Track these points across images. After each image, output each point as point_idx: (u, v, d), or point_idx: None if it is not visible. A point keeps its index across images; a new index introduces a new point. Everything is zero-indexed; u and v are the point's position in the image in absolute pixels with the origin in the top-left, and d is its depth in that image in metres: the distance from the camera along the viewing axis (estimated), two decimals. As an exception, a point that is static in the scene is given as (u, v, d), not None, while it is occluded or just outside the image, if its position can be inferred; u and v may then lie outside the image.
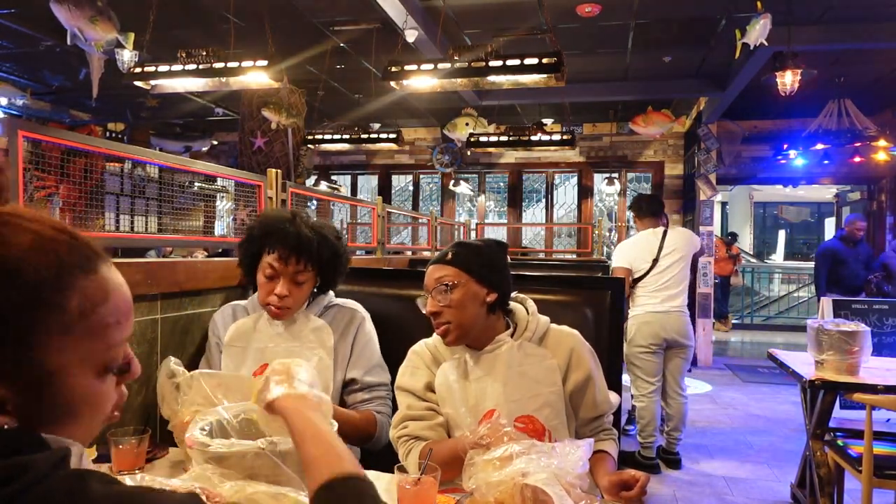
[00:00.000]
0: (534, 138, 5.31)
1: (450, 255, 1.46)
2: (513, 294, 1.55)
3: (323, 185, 7.69)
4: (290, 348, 1.63)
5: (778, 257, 16.42)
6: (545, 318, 1.51)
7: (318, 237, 1.62)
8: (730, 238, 10.09)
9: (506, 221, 8.54)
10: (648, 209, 3.87)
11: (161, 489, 0.54)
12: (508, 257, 1.56)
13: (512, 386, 1.40)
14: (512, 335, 1.46)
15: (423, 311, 1.46)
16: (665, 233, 3.78)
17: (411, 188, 8.87)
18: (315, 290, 1.71)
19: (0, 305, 0.48)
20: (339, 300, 1.77)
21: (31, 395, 0.52)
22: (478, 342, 1.45)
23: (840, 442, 2.73)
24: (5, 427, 0.51)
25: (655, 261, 3.72)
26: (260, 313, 1.69)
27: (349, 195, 8.43)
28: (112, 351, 0.57)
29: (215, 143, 8.68)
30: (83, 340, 0.54)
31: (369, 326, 1.74)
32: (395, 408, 1.55)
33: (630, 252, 3.82)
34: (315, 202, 5.81)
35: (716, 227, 8.71)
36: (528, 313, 1.50)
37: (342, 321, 1.70)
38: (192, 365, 1.82)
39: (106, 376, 0.57)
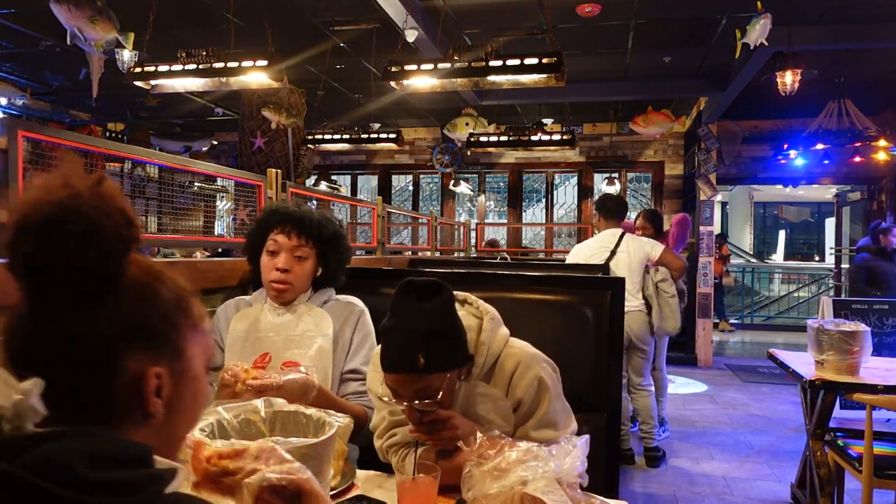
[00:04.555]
0: (534, 138, 5.32)
1: (422, 362, 1.15)
2: (470, 300, 1.37)
3: (323, 185, 7.69)
4: (291, 336, 1.65)
5: (778, 257, 16.43)
6: (498, 341, 1.31)
7: (319, 216, 1.70)
8: (719, 239, 10.03)
9: (506, 221, 8.54)
10: (613, 212, 3.95)
11: None
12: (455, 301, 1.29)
13: None
14: (462, 376, 1.29)
15: (399, 409, 1.25)
16: (623, 235, 3.84)
17: (411, 188, 8.86)
18: (318, 281, 1.75)
19: (166, 305, 0.67)
20: (340, 296, 1.80)
21: (177, 379, 0.67)
22: None
23: (840, 442, 2.73)
24: (134, 441, 0.62)
25: (610, 258, 3.77)
26: (263, 303, 1.71)
27: (349, 195, 8.43)
28: (211, 350, 0.75)
29: (215, 143, 8.67)
30: (200, 337, 0.71)
31: (368, 318, 1.77)
32: None
33: (584, 251, 3.92)
34: (315, 202, 5.80)
35: (716, 227, 8.71)
36: (478, 336, 1.29)
37: (342, 312, 1.73)
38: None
39: (208, 371, 0.74)
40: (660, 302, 3.79)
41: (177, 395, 0.67)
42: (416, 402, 1.16)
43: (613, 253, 3.78)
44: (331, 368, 1.66)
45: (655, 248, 3.81)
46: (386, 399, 1.25)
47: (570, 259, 3.99)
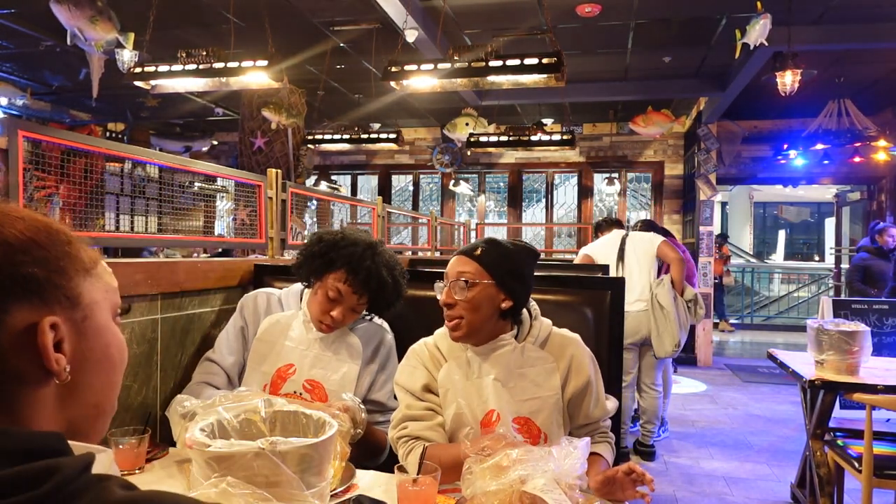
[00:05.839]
0: (534, 138, 5.31)
1: (479, 252, 1.44)
2: None
3: (323, 185, 7.69)
4: (320, 356, 1.65)
5: (778, 257, 16.43)
6: (548, 322, 1.51)
7: (392, 280, 1.63)
8: (720, 239, 10.08)
9: (506, 221, 8.54)
10: (609, 222, 4.27)
11: (181, 495, 0.54)
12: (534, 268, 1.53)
13: (510, 387, 1.40)
14: (516, 337, 1.46)
15: (438, 298, 1.44)
16: (626, 234, 3.98)
17: (411, 188, 8.86)
18: None
19: (41, 247, 0.59)
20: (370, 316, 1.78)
21: (79, 329, 0.61)
22: (481, 341, 1.45)
23: (840, 442, 2.73)
24: (35, 431, 0.56)
25: (621, 254, 3.88)
26: (298, 313, 1.70)
27: (349, 195, 8.43)
28: (116, 295, 0.68)
29: (215, 143, 8.67)
30: (98, 283, 0.64)
31: (395, 350, 1.76)
32: None
33: (596, 247, 4.07)
34: (315, 202, 5.80)
35: (716, 227, 8.71)
36: (531, 317, 1.50)
37: (373, 339, 1.73)
38: (191, 365, 1.81)
39: (116, 320, 0.67)
40: (656, 318, 3.65)
41: (84, 349, 0.61)
42: (454, 282, 1.42)
43: (622, 249, 3.91)
44: (351, 394, 1.65)
45: (654, 240, 3.90)
46: (406, 389, 1.46)
47: (579, 261, 4.10)
